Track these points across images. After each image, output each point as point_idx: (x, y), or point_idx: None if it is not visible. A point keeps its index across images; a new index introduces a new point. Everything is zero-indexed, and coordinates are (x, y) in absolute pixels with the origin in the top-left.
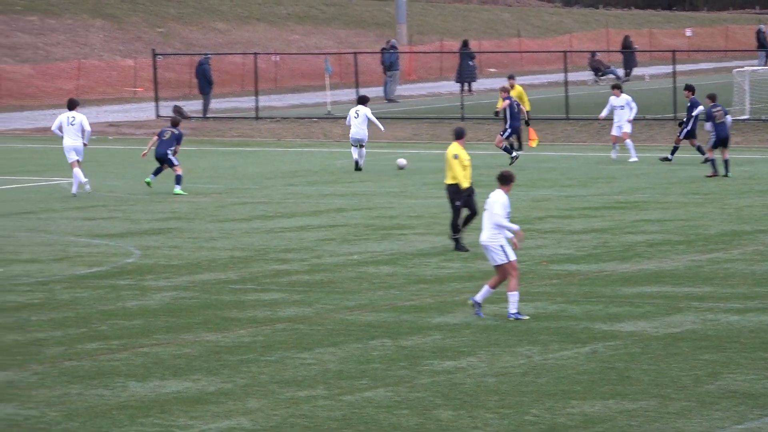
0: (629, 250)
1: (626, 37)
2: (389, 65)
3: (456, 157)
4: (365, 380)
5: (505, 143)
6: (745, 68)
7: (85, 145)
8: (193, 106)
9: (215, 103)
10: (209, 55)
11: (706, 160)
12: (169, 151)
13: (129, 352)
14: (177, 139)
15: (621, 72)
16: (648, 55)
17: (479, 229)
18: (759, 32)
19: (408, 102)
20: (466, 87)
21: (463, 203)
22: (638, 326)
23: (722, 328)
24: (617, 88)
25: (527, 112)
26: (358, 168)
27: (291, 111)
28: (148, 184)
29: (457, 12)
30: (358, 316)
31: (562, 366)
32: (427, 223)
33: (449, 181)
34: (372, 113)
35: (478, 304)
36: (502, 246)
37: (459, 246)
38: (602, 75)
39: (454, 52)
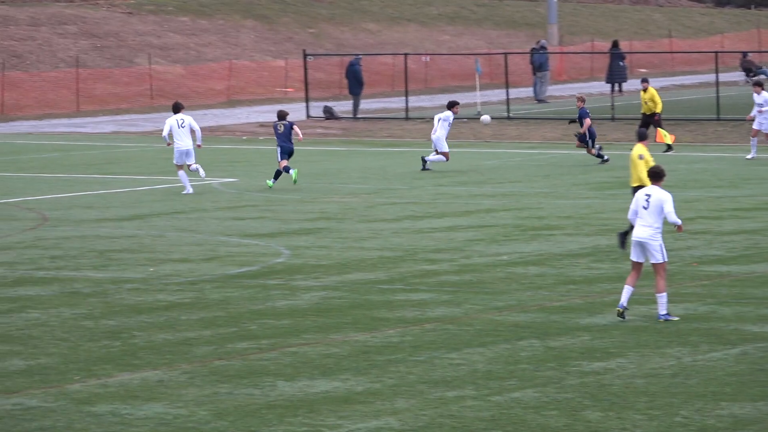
0: None
1: None
2: (539, 66)
3: (641, 157)
4: (513, 381)
5: (594, 150)
6: None
7: (198, 146)
8: (343, 106)
9: (365, 104)
10: (360, 56)
11: None
12: (292, 142)
13: (278, 351)
14: (291, 126)
15: None
16: None
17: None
18: None
19: (558, 102)
20: (616, 87)
21: None
22: None
23: None
24: (758, 85)
25: (658, 114)
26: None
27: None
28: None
29: (609, 12)
30: (506, 316)
31: (712, 367)
32: (576, 223)
33: (635, 184)
34: (444, 119)
35: (625, 309)
36: (661, 245)
37: (623, 241)
38: (754, 75)
39: (604, 53)
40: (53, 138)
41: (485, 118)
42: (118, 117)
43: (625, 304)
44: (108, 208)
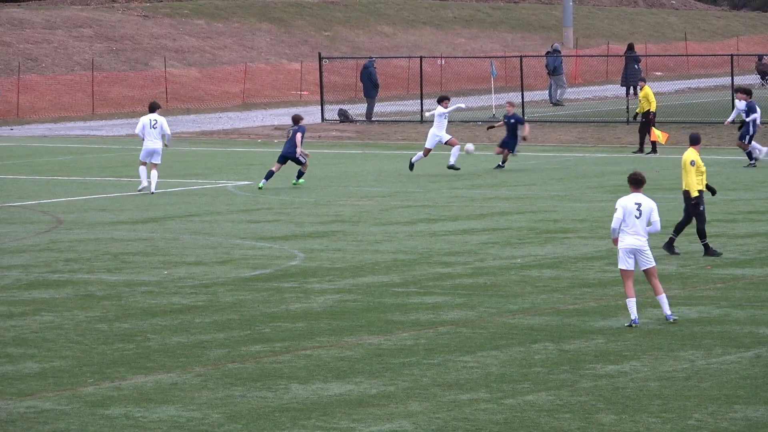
0: None
1: None
2: (553, 69)
3: (693, 163)
4: (527, 384)
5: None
6: None
7: (166, 146)
8: (358, 109)
9: (380, 107)
10: (375, 59)
11: None
12: (296, 151)
13: (292, 354)
14: (295, 134)
15: None
16: None
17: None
18: None
19: (573, 105)
20: (631, 91)
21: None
22: None
23: None
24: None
25: (653, 113)
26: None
27: (455, 114)
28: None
29: (624, 15)
30: (520, 319)
31: (726, 370)
32: (591, 226)
33: (688, 188)
34: (435, 111)
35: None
36: (649, 249)
37: (709, 251)
38: None
39: (619, 56)
40: (68, 141)
41: (469, 146)
42: (133, 120)
43: (637, 319)
44: (122, 211)
